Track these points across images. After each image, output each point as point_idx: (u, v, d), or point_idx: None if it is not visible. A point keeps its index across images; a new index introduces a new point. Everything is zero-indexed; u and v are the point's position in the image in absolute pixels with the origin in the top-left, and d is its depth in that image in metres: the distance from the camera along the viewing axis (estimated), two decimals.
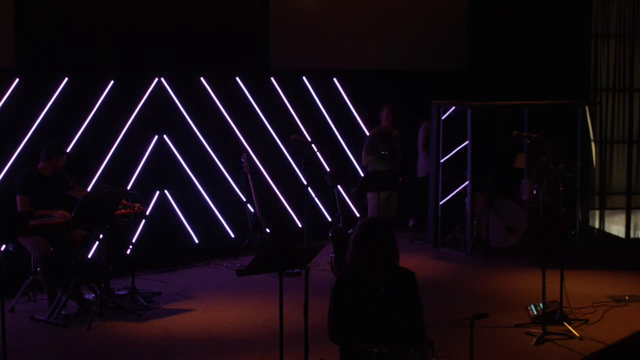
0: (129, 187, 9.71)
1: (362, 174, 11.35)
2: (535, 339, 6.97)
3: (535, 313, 7.42)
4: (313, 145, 9.31)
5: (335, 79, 11.53)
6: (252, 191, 10.12)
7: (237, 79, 10.83)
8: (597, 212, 12.19)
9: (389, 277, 4.94)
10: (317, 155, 10.60)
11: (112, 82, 9.90)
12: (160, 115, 10.27)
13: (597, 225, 12.04)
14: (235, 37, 10.70)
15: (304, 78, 11.32)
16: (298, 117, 11.19)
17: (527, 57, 11.91)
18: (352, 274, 4.97)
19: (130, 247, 9.15)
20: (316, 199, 11.07)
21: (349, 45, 11.38)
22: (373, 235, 4.92)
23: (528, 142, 9.73)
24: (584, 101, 11.13)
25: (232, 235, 10.64)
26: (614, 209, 12.50)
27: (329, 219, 11.15)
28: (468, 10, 11.90)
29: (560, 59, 11.94)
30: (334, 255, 8.81)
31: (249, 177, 10.16)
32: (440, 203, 10.73)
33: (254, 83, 10.96)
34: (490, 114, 11.07)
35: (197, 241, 10.40)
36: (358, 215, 11.48)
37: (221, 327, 7.51)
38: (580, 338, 7.02)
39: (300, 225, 11.05)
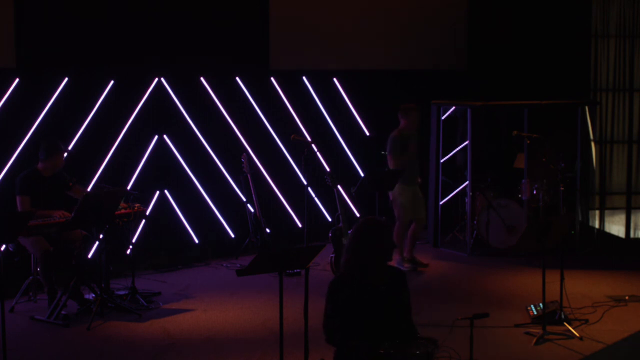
0: (129, 187, 9.71)
1: (362, 174, 11.36)
2: (535, 339, 6.98)
3: (535, 313, 7.42)
4: (313, 145, 9.31)
5: (335, 79, 11.53)
6: (252, 191, 10.13)
7: (237, 79, 10.83)
8: (597, 212, 12.18)
9: (387, 277, 4.94)
10: (317, 155, 10.61)
11: (112, 82, 9.90)
12: (160, 115, 10.26)
13: (597, 225, 12.04)
14: (235, 37, 10.70)
15: (304, 78, 11.32)
16: (298, 117, 11.19)
17: (527, 57, 11.90)
18: (348, 275, 4.96)
19: (130, 247, 9.15)
20: (316, 199, 11.08)
21: (349, 45, 11.38)
22: (372, 236, 4.92)
23: (528, 142, 9.73)
24: (584, 101, 11.13)
25: (232, 235, 10.64)
26: (614, 209, 12.49)
27: (329, 219, 11.15)
28: (468, 10, 11.90)
29: (560, 59, 11.93)
30: (334, 255, 8.82)
31: (249, 177, 10.17)
32: (440, 203, 10.74)
33: (254, 83, 10.96)
34: (490, 114, 11.07)
35: (197, 241, 10.40)
36: (358, 215, 11.49)
37: (221, 327, 7.51)
38: (580, 338, 7.02)
39: (300, 225, 11.05)
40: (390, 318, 4.85)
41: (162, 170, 10.28)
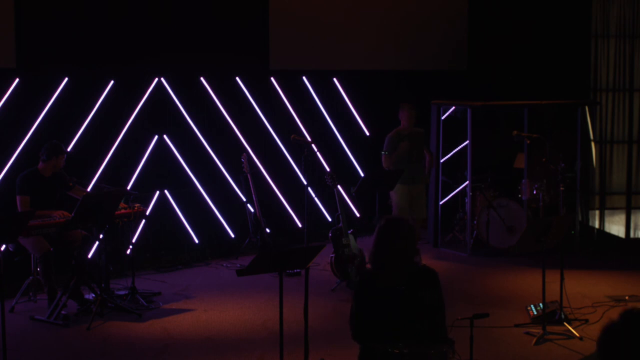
0: (129, 187, 9.71)
1: (362, 174, 11.36)
2: (535, 339, 6.98)
3: (535, 313, 7.42)
4: (313, 145, 9.31)
5: (335, 79, 11.53)
6: (252, 191, 10.13)
7: (237, 79, 10.83)
8: (597, 212, 12.18)
9: (411, 276, 4.88)
10: (317, 155, 10.60)
11: (112, 82, 9.90)
12: (160, 115, 10.27)
13: (597, 225, 12.03)
14: (235, 37, 10.70)
15: (304, 78, 11.32)
16: (298, 117, 11.19)
17: (527, 57, 11.91)
18: (374, 274, 4.92)
19: (130, 247, 9.15)
20: (316, 199, 11.08)
21: (349, 45, 11.39)
22: (394, 234, 4.86)
23: (528, 142, 9.73)
24: (584, 101, 11.13)
25: (232, 235, 10.64)
26: (614, 209, 12.49)
27: (329, 219, 11.15)
28: (468, 10, 11.91)
29: (560, 59, 11.94)
30: (334, 255, 8.81)
31: (249, 177, 10.17)
32: (440, 203, 10.74)
33: (254, 83, 10.96)
34: (490, 114, 11.06)
35: (197, 241, 10.40)
36: (358, 215, 11.49)
37: (221, 327, 7.51)
38: (580, 338, 7.02)
39: (300, 225, 11.05)
40: (409, 318, 4.80)
41: (162, 170, 10.28)
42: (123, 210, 8.08)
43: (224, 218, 10.63)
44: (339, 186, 9.14)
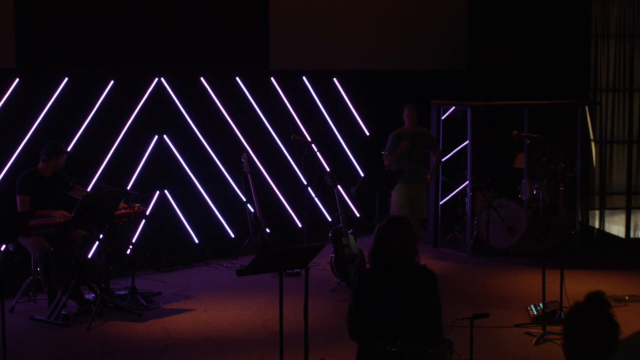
0: (129, 187, 9.71)
1: (362, 174, 11.36)
2: (535, 339, 6.98)
3: (535, 313, 7.43)
4: (313, 145, 9.32)
5: (335, 79, 11.53)
6: (252, 191, 10.13)
7: (237, 79, 10.83)
8: (597, 212, 12.18)
9: (410, 276, 4.88)
10: (317, 155, 10.60)
11: (112, 82, 9.90)
12: (160, 115, 10.26)
13: (597, 225, 12.03)
14: (235, 37, 10.70)
15: (304, 78, 11.32)
16: (298, 117, 11.19)
17: (527, 57, 11.91)
18: (373, 274, 4.92)
19: (130, 247, 9.15)
20: (316, 199, 11.07)
21: (349, 45, 11.39)
22: (394, 234, 4.86)
23: (528, 142, 9.73)
24: (584, 101, 11.13)
25: (232, 235, 10.64)
26: (614, 209, 12.49)
27: (329, 219, 11.15)
28: (468, 10, 11.91)
29: (560, 59, 11.94)
30: (334, 255, 8.81)
31: (249, 177, 10.17)
32: (440, 203, 10.74)
33: (254, 83, 10.96)
34: (490, 114, 11.07)
35: (197, 241, 10.40)
36: (358, 215, 11.49)
37: (221, 327, 7.51)
38: None
39: (300, 225, 11.05)
40: (409, 318, 4.80)
41: (162, 170, 10.28)
42: (123, 210, 8.08)
43: (224, 218, 10.63)
44: (339, 186, 9.14)
